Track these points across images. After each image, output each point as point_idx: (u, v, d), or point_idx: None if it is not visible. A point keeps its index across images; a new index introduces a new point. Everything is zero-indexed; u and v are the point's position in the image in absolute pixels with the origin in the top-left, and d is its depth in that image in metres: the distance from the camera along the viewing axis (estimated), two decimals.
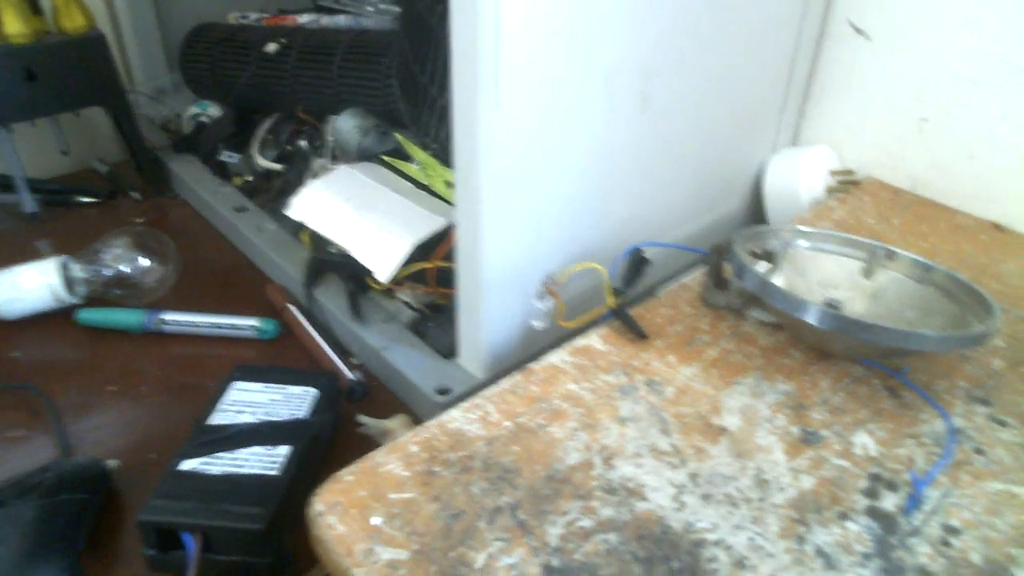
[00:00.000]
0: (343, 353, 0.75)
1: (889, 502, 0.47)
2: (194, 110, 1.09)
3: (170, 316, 0.78)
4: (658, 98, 0.67)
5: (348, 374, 0.71)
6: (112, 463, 0.62)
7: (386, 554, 0.42)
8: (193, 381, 0.73)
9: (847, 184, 0.86)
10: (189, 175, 1.03)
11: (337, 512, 0.45)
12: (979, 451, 0.51)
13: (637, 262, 0.63)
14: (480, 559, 0.42)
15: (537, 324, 0.65)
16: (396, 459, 0.49)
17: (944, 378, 0.57)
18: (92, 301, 0.81)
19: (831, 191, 0.86)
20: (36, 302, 0.79)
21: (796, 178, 0.86)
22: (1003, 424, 0.53)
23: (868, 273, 0.64)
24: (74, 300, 0.80)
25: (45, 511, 0.55)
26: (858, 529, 0.45)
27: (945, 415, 0.53)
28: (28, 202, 0.96)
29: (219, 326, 0.78)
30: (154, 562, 0.53)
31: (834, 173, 0.87)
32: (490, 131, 0.54)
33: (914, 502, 0.46)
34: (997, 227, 0.77)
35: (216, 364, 0.74)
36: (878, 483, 0.48)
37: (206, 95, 1.12)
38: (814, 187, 0.86)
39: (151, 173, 1.05)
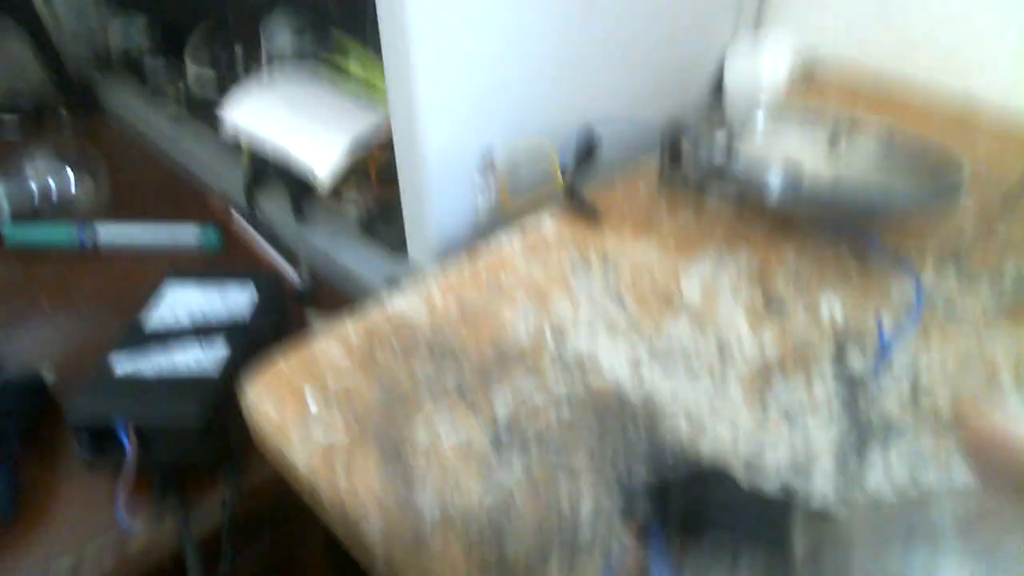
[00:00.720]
0: (291, 257, 0.71)
1: (857, 364, 0.44)
2: (120, 22, 1.03)
3: (104, 228, 0.74)
4: None
5: (294, 275, 0.67)
6: (47, 373, 0.59)
7: (326, 438, 0.40)
8: (132, 293, 0.69)
9: (810, 69, 0.82)
10: (119, 90, 0.98)
11: (272, 400, 0.42)
12: (949, 311, 0.48)
13: (588, 139, 0.60)
14: (424, 438, 0.40)
15: (480, 200, 0.61)
16: (335, 345, 0.46)
17: (914, 240, 0.54)
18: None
19: (794, 78, 0.82)
20: None
21: (758, 63, 0.82)
22: (974, 283, 0.50)
23: (832, 143, 0.61)
24: None
25: None
26: (826, 392, 0.43)
27: (914, 275, 0.51)
28: None
29: (158, 235, 0.74)
30: (91, 462, 0.51)
31: (797, 55, 0.84)
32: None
33: (882, 363, 0.44)
34: (965, 109, 0.74)
35: (156, 276, 0.70)
36: (845, 347, 0.46)
37: (131, 3, 1.05)
38: (777, 73, 0.82)
39: (76, 90, 0.99)
